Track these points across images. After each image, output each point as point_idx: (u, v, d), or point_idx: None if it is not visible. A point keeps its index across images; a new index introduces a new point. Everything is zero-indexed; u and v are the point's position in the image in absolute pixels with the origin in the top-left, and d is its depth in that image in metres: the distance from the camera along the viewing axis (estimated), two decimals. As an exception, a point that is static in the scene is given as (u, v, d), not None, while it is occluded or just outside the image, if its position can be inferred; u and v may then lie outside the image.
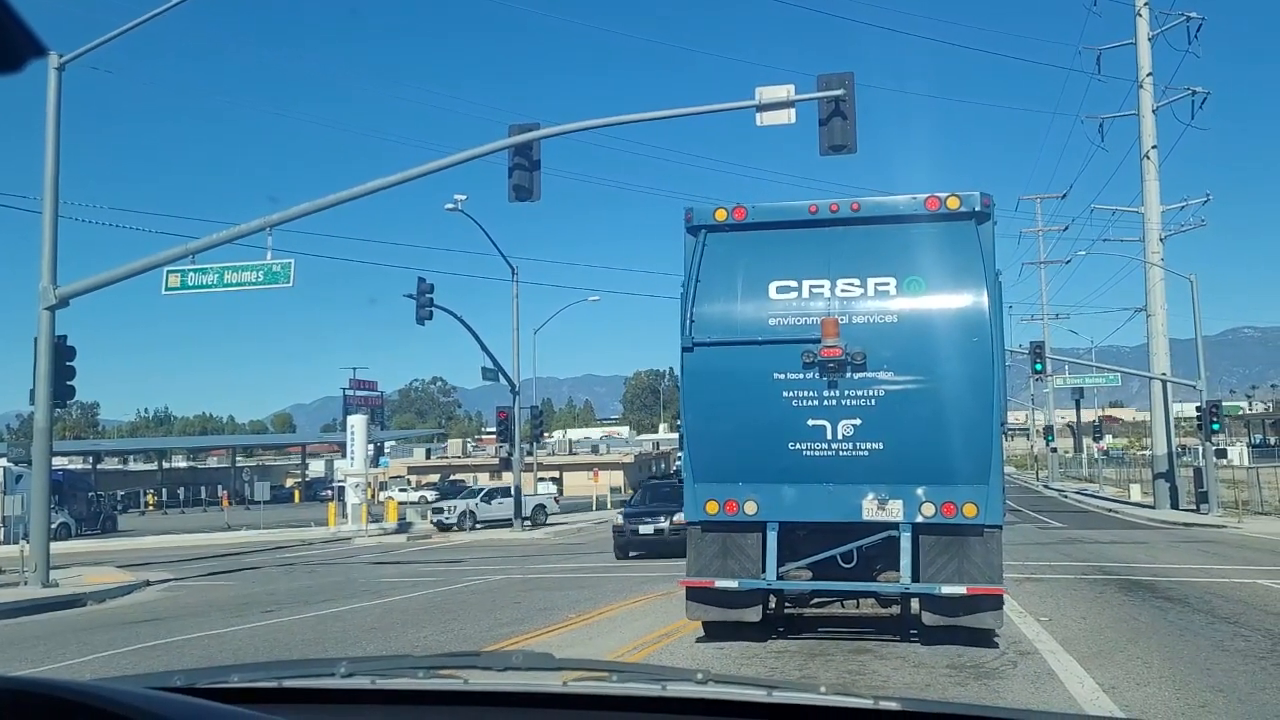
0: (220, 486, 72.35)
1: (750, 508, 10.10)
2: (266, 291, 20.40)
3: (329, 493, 56.66)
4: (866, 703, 1.72)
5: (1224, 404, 42.35)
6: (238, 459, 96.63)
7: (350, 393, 64.52)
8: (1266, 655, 9.64)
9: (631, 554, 23.71)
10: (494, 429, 46.86)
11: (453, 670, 2.33)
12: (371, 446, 47.32)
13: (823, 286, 10.07)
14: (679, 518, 20.35)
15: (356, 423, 43.04)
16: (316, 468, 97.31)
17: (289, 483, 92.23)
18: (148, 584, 20.92)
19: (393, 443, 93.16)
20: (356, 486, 41.17)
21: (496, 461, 46.72)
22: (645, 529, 23.77)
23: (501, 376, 38.47)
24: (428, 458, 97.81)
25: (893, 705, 1.67)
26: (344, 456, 46.70)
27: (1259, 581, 15.96)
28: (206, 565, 26.56)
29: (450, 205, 33.44)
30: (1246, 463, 46.74)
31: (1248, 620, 11.90)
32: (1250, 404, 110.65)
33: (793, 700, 1.74)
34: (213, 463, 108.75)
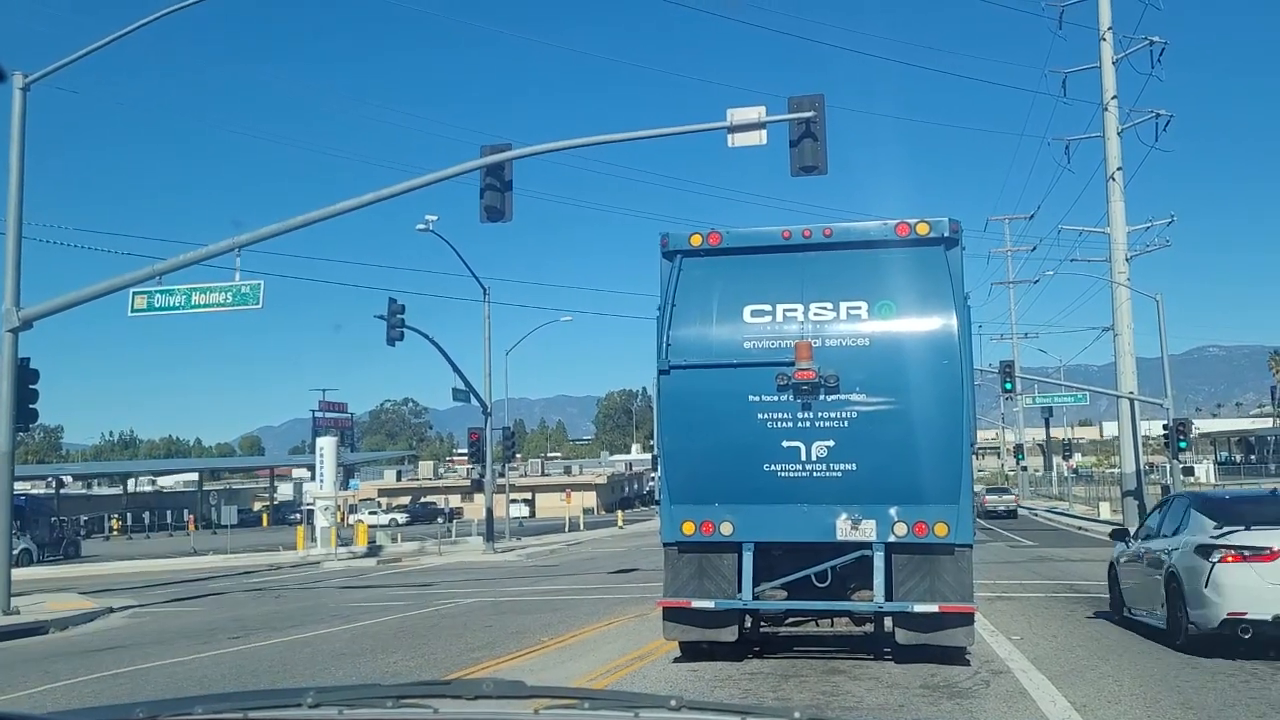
0: (186, 510, 71.41)
1: (726, 528, 10.16)
2: (235, 313, 20.17)
3: (297, 516, 56.11)
4: None
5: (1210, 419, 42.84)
6: (204, 482, 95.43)
7: (319, 414, 63.97)
8: (1235, 672, 9.71)
9: None
10: (466, 450, 46.58)
11: (422, 699, 2.29)
12: (341, 469, 46.89)
13: (796, 310, 10.19)
14: None
15: (325, 445, 42.62)
16: (285, 491, 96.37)
17: (257, 506, 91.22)
18: (111, 611, 20.55)
19: (363, 465, 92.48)
20: (326, 509, 40.76)
21: (468, 483, 46.40)
22: None
23: (473, 397, 38.30)
24: (398, 480, 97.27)
25: None
26: (313, 479, 46.21)
27: (1226, 598, 16.07)
28: (172, 591, 26.15)
29: (421, 226, 33.36)
30: (1214, 480, 47.28)
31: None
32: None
33: None
34: (179, 486, 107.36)
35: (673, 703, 1.92)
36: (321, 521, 40.62)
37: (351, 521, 48.91)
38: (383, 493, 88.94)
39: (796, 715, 1.79)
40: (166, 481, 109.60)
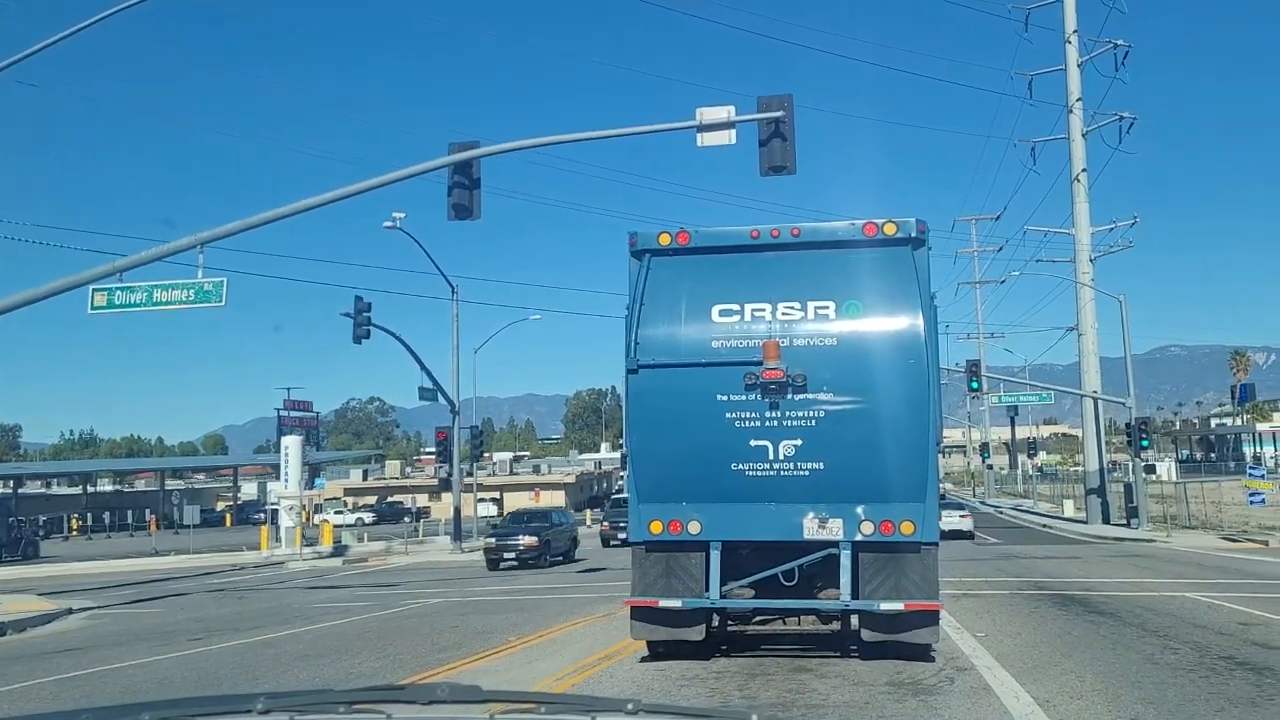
0: (148, 510, 70.46)
1: (694, 527, 10.14)
2: (198, 311, 19.90)
3: (261, 516, 55.50)
4: None
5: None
6: (167, 482, 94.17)
7: (284, 413, 63.34)
8: (1194, 668, 9.82)
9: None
10: (433, 449, 46.31)
11: (375, 705, 2.23)
12: (306, 468, 46.43)
13: (764, 310, 10.18)
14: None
15: (290, 444, 42.19)
16: (249, 490, 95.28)
17: (220, 506, 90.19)
18: (70, 612, 20.23)
19: (329, 464, 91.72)
20: (290, 509, 40.36)
21: (436, 482, 46.13)
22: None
23: (440, 396, 38.06)
24: (365, 479, 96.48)
25: None
26: (277, 478, 45.74)
27: (1187, 595, 16.30)
28: (133, 592, 25.78)
29: (389, 223, 33.10)
30: (1175, 478, 47.93)
31: (1177, 633, 12.14)
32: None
33: None
34: (140, 486, 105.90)
35: (630, 706, 1.88)
36: (286, 521, 40.23)
37: (317, 521, 48.39)
38: (349, 492, 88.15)
39: (754, 718, 1.75)
40: (128, 481, 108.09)
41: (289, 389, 75.11)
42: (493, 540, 30.86)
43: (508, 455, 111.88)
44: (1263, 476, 39.07)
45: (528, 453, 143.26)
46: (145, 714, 2.15)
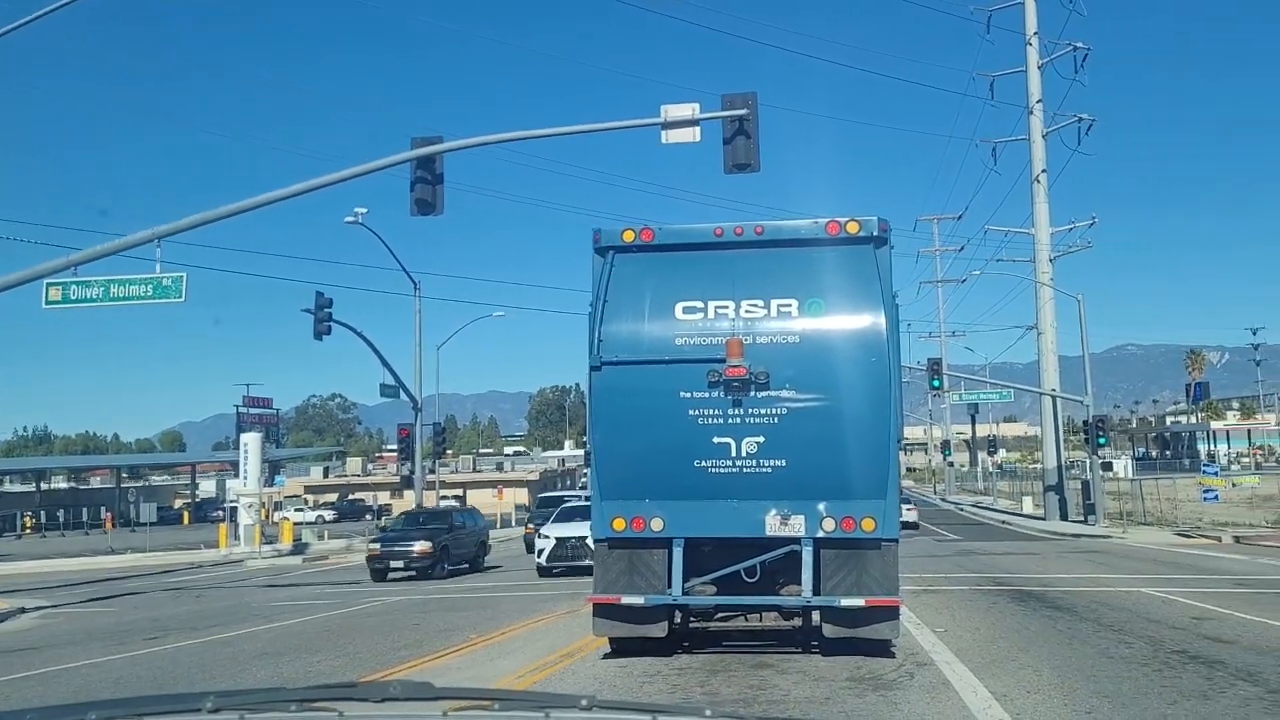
0: (104, 508, 69.28)
1: (657, 524, 10.15)
2: (157, 306, 19.58)
3: (220, 514, 54.81)
4: None
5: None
6: (123, 479, 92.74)
7: (244, 410, 62.49)
8: (1148, 662, 9.97)
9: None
10: (395, 446, 45.98)
11: (327, 703, 2.20)
12: (266, 465, 45.95)
13: (727, 307, 10.21)
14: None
15: (250, 440, 41.71)
16: (207, 488, 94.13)
17: (178, 503, 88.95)
18: (23, 611, 19.88)
19: (289, 461, 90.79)
20: (250, 507, 39.90)
21: (398, 480, 45.85)
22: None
23: (403, 393, 37.82)
24: (325, 476, 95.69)
25: None
26: (236, 476, 45.21)
27: (1142, 590, 16.55)
28: (87, 591, 25.36)
29: (350, 218, 32.83)
30: (1131, 475, 48.69)
31: (1131, 628, 12.32)
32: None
33: None
34: (96, 483, 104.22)
35: (584, 702, 1.87)
36: (245, 519, 39.77)
37: (277, 519, 47.90)
38: (309, 489, 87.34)
39: (708, 713, 1.74)
40: (83, 478, 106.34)
41: (248, 385, 74.27)
42: (378, 546, 26.41)
43: (471, 453, 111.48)
44: (1216, 474, 39.80)
45: (491, 450, 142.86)
46: (91, 714, 2.11)
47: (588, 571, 15.71)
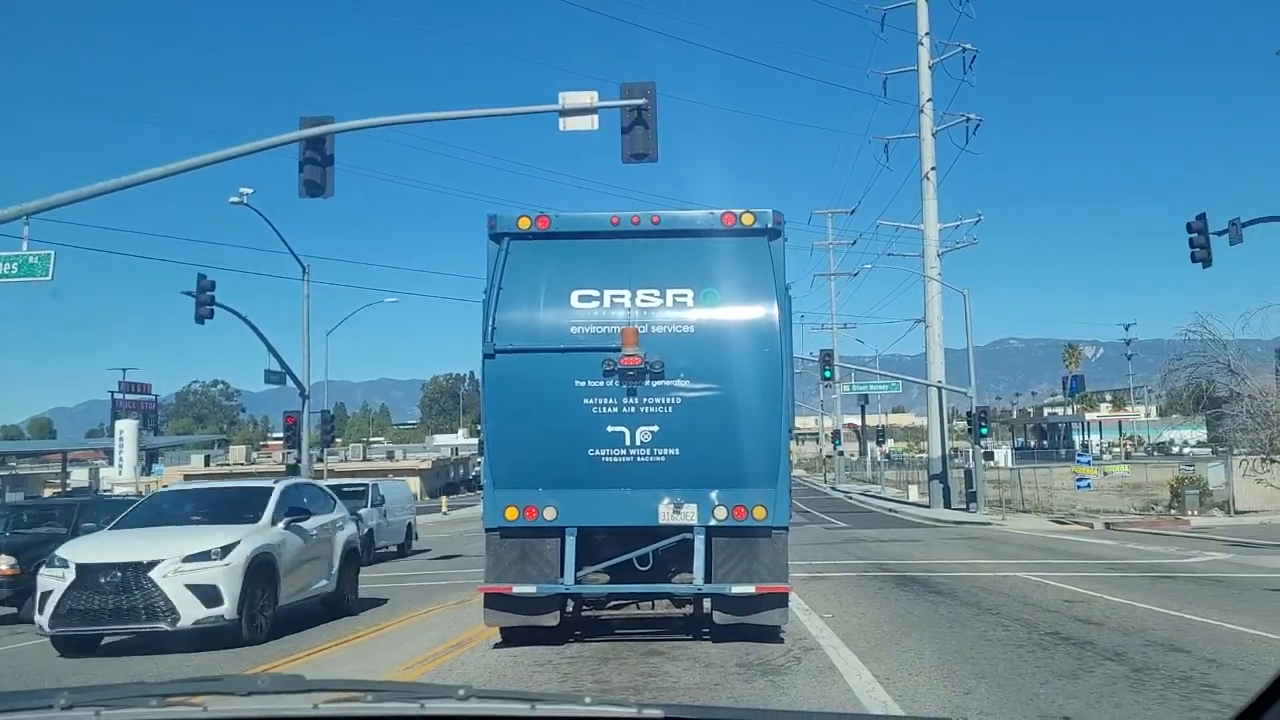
0: (-33, 498, 65.72)
1: (549, 513, 10.11)
2: (26, 286, 18.56)
3: (95, 504, 52.56)
4: (630, 711, 1.63)
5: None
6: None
7: (119, 396, 60.25)
8: (1023, 643, 10.35)
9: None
10: (281, 435, 44.79)
11: (191, 697, 2.09)
12: (143, 453, 44.25)
13: (623, 296, 10.22)
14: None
15: (126, 428, 40.15)
16: (80, 476, 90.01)
17: (47, 493, 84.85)
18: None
19: (168, 449, 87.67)
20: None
21: (284, 469, 44.68)
22: None
23: (289, 379, 36.78)
24: (207, 465, 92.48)
25: (656, 712, 1.59)
26: (111, 464, 43.46)
27: (1019, 575, 17.18)
28: (-52, 585, 23.94)
29: (235, 199, 31.73)
30: (1011, 464, 50.50)
31: (1008, 611, 12.77)
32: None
33: (555, 713, 1.64)
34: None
35: (460, 692, 1.81)
36: (121, 509, 38.22)
37: (156, 509, 46.12)
38: (189, 478, 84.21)
39: (587, 700, 1.70)
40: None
41: (124, 370, 71.49)
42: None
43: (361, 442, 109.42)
44: (1089, 463, 41.60)
45: (382, 438, 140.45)
46: (-73, 715, 1.95)
47: (149, 636, 11.67)
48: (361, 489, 26.09)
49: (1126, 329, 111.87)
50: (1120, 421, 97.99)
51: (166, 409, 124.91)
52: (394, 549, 26.40)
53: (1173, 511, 32.43)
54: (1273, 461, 32.04)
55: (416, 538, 29.21)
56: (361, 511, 23.74)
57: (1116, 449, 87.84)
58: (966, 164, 56.16)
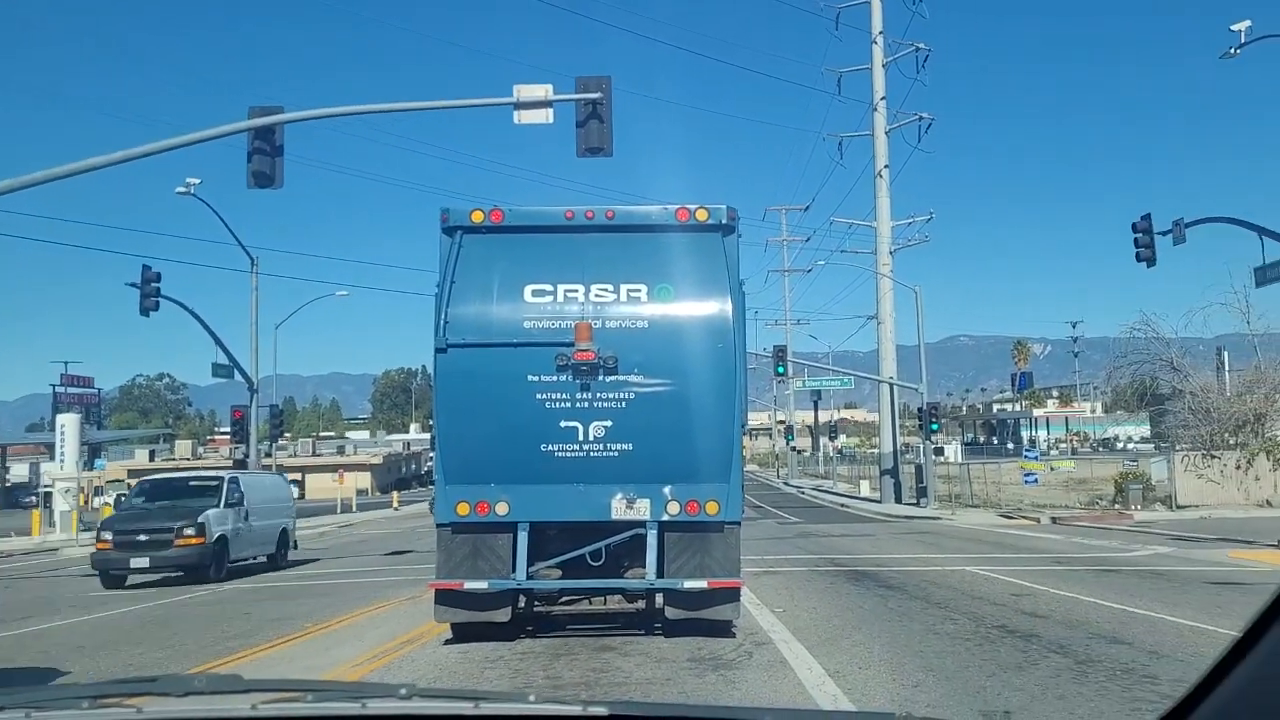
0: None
1: (501, 508, 10.07)
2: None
3: (33, 499, 51.45)
4: (575, 709, 1.61)
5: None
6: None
7: (61, 389, 58.92)
8: (971, 637, 10.48)
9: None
10: (229, 429, 44.10)
11: (124, 698, 2.03)
12: (85, 448, 43.36)
13: (577, 291, 10.20)
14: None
15: (67, 422, 39.26)
16: (19, 472, 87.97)
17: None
18: None
19: (111, 444, 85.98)
20: (66, 492, 37.59)
21: (230, 464, 44.06)
22: None
23: (237, 373, 36.27)
24: (151, 460, 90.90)
25: (601, 710, 1.57)
26: (52, 459, 42.50)
27: (967, 569, 17.41)
28: (-119, 583, 23.32)
29: (182, 189, 31.20)
30: (960, 459, 51.18)
31: (956, 605, 12.93)
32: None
33: (500, 711, 1.61)
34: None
35: (403, 691, 1.77)
36: (61, 505, 37.46)
37: (97, 505, 45.25)
38: (133, 473, 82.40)
39: (532, 698, 1.68)
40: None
41: (66, 363, 69.91)
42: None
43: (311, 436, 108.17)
44: (1036, 458, 42.33)
45: (332, 433, 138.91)
46: None
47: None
48: (213, 484, 21.52)
49: (1074, 326, 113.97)
50: (1067, 418, 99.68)
51: (110, 403, 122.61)
52: (263, 559, 22.53)
53: (1117, 506, 33.05)
54: (1213, 457, 32.81)
55: (295, 546, 24.88)
56: (210, 513, 20.07)
57: (1063, 445, 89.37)
58: (920, 162, 56.75)
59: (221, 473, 23.74)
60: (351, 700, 1.76)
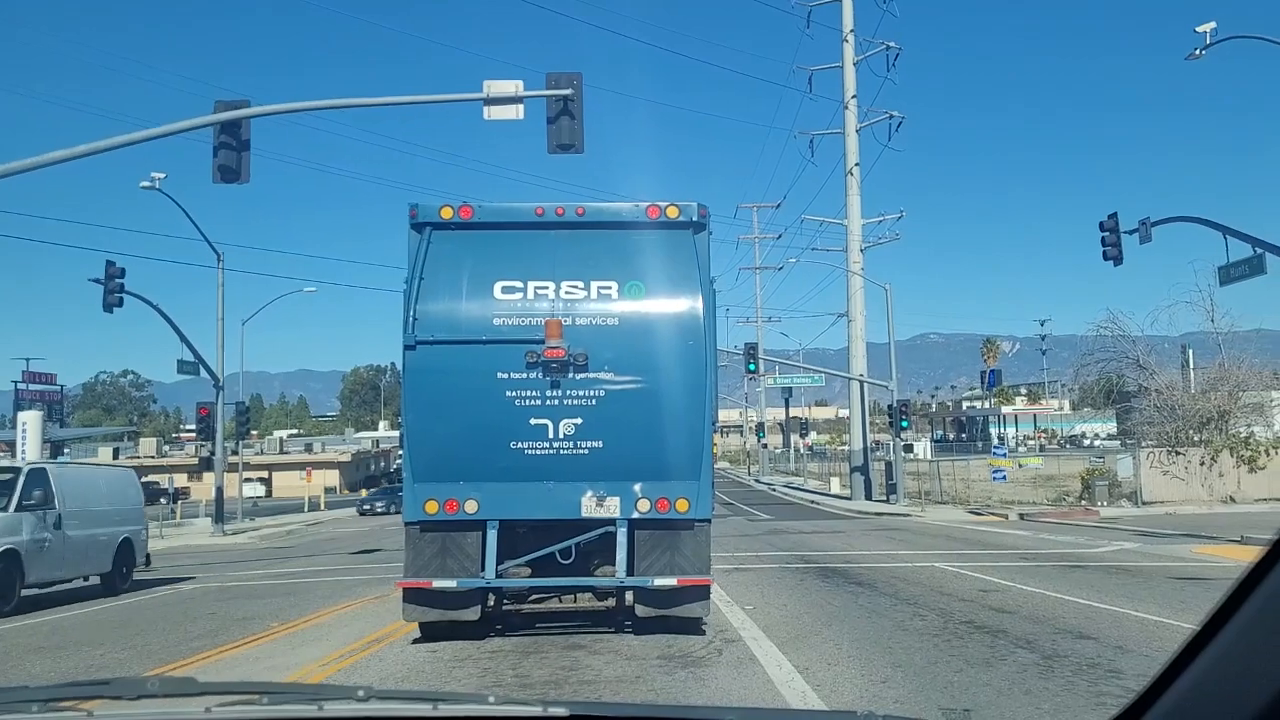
0: None
1: (471, 507, 10.01)
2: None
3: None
4: (535, 709, 1.58)
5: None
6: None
7: (22, 386, 57.93)
8: (939, 633, 10.54)
9: None
10: (194, 426, 43.65)
11: (76, 702, 1.98)
12: (48, 445, 42.73)
13: (547, 288, 10.16)
14: None
15: (29, 419, 38.54)
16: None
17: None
18: None
19: (75, 442, 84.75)
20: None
21: (196, 461, 43.59)
22: None
23: (203, 369, 35.91)
24: (115, 458, 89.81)
25: (560, 710, 1.55)
26: (14, 457, 41.86)
27: (936, 565, 17.52)
28: None
29: (147, 183, 30.82)
30: (930, 456, 51.56)
31: (925, 601, 13.00)
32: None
33: (459, 712, 1.58)
34: None
35: (360, 693, 1.74)
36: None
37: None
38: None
39: (491, 700, 1.65)
40: None
41: (28, 360, 68.86)
42: None
43: (281, 434, 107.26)
44: (1004, 455, 42.67)
45: (300, 430, 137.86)
46: None
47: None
48: (6, 479, 16.40)
49: (1042, 324, 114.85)
50: (1035, 415, 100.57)
51: (73, 400, 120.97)
52: (93, 581, 18.00)
53: (1083, 502, 33.42)
54: (1178, 454, 33.25)
55: (148, 562, 20.21)
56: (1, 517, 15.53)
57: (1031, 442, 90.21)
58: (890, 160, 57.16)
59: (19, 464, 18.77)
60: (308, 702, 1.72)
